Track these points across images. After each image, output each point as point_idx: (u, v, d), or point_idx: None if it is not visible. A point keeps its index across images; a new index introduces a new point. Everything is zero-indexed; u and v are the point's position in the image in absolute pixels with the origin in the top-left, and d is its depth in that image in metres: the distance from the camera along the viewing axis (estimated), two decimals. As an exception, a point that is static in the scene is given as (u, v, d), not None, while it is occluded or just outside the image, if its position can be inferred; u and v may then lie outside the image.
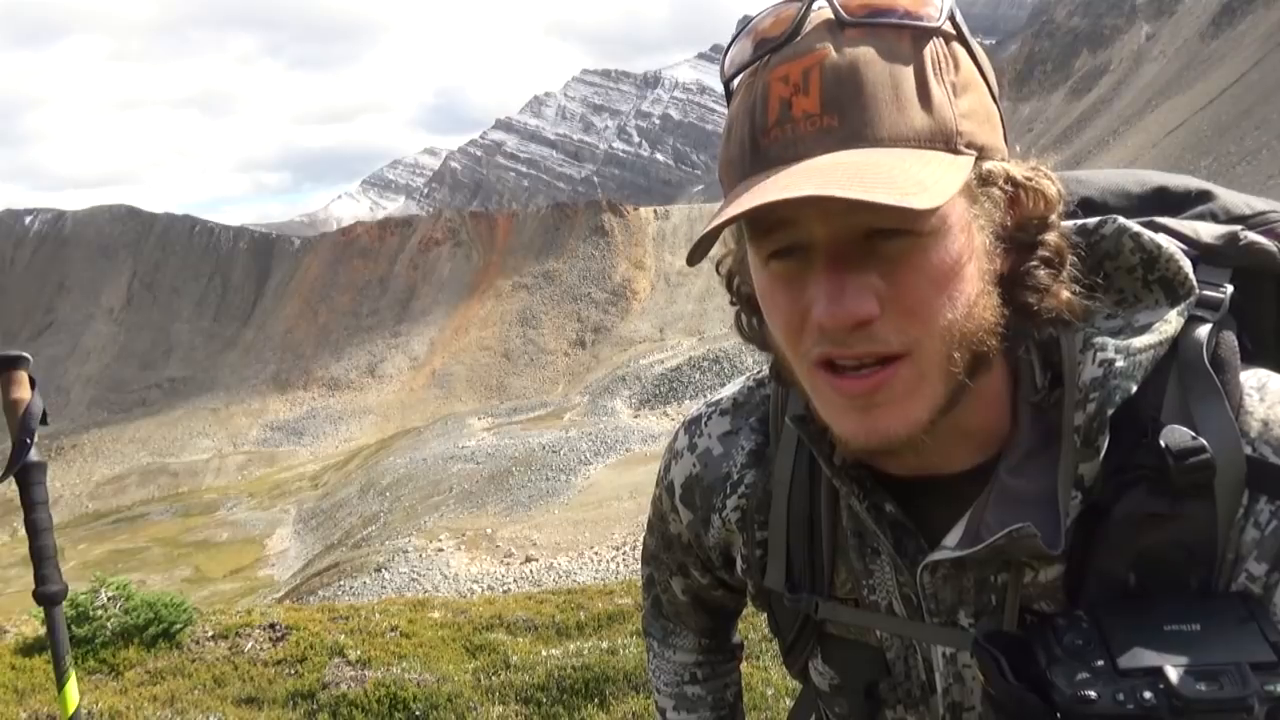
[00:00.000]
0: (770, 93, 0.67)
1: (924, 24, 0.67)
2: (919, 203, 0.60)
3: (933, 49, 0.67)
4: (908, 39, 0.67)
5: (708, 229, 0.66)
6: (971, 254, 0.69)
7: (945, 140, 0.66)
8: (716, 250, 0.80)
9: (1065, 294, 0.73)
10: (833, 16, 0.68)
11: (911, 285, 0.66)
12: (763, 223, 0.68)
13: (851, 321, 0.66)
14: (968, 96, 0.69)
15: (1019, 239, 0.72)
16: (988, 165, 0.69)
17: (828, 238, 0.66)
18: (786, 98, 0.66)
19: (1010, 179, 0.71)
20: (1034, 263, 0.72)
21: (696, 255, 0.69)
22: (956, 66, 0.69)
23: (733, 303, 0.84)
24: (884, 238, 0.66)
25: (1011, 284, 0.72)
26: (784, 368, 0.77)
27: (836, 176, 0.61)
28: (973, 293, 0.69)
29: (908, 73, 0.66)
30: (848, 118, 0.65)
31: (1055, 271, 0.73)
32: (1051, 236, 0.73)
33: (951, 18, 0.69)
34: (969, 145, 0.67)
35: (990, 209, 0.70)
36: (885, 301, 0.66)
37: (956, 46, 0.70)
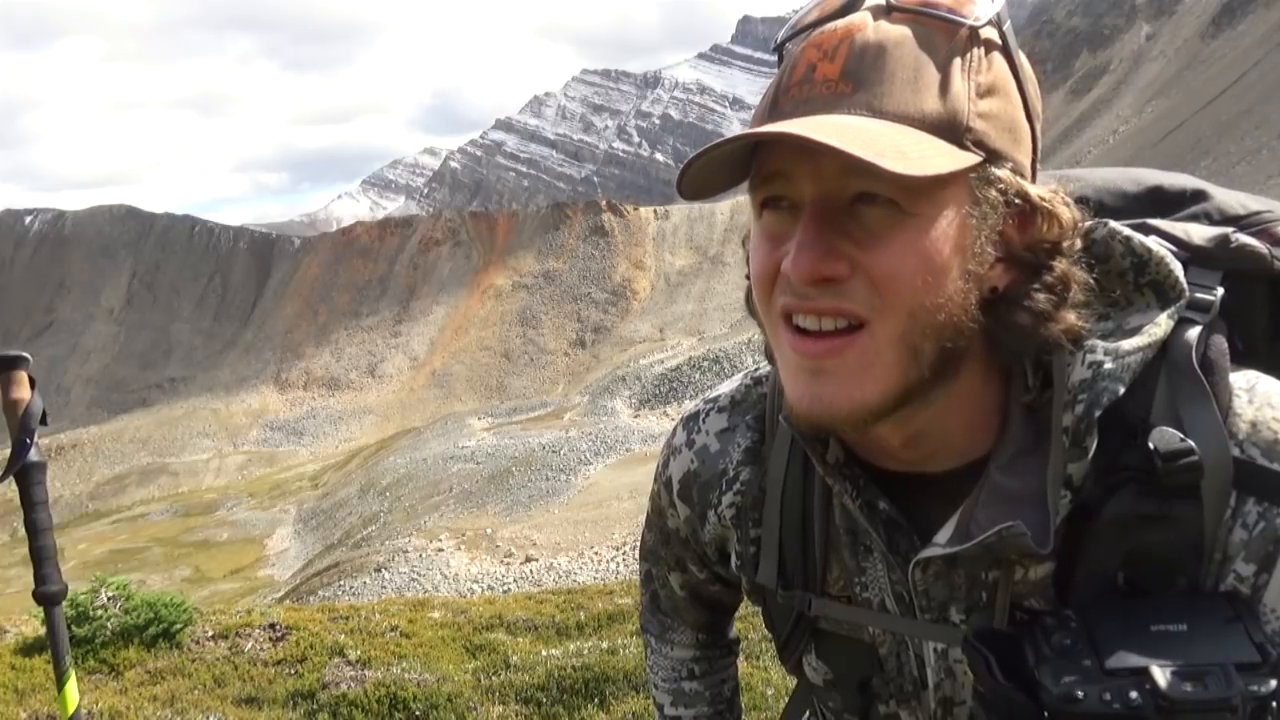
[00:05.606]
0: (802, 57, 0.72)
1: (965, 21, 0.69)
2: (892, 165, 0.61)
3: (967, 48, 0.69)
4: (945, 32, 0.69)
5: (701, 151, 0.69)
6: (959, 251, 0.69)
7: (951, 131, 0.67)
8: (745, 230, 0.82)
9: (1069, 319, 0.73)
10: (884, 1, 0.71)
11: (886, 257, 0.67)
12: (762, 169, 0.72)
13: (815, 275, 0.68)
14: (993, 101, 0.70)
15: (1025, 259, 0.72)
16: (997, 171, 0.70)
17: (815, 196, 0.68)
18: (814, 62, 0.71)
19: (1023, 195, 0.71)
20: (1035, 286, 0.72)
21: (686, 186, 0.74)
22: (989, 70, 0.70)
23: (747, 276, 0.85)
24: (869, 203, 0.67)
25: (1008, 303, 0.72)
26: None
27: (825, 130, 0.64)
28: (951, 289, 0.69)
29: (934, 62, 0.68)
30: (861, 88, 0.68)
31: (1056, 299, 0.72)
32: (1060, 263, 0.73)
33: (999, 27, 0.71)
34: (977, 144, 0.68)
35: (990, 214, 0.70)
36: (858, 268, 0.68)
37: (997, 56, 0.71)
